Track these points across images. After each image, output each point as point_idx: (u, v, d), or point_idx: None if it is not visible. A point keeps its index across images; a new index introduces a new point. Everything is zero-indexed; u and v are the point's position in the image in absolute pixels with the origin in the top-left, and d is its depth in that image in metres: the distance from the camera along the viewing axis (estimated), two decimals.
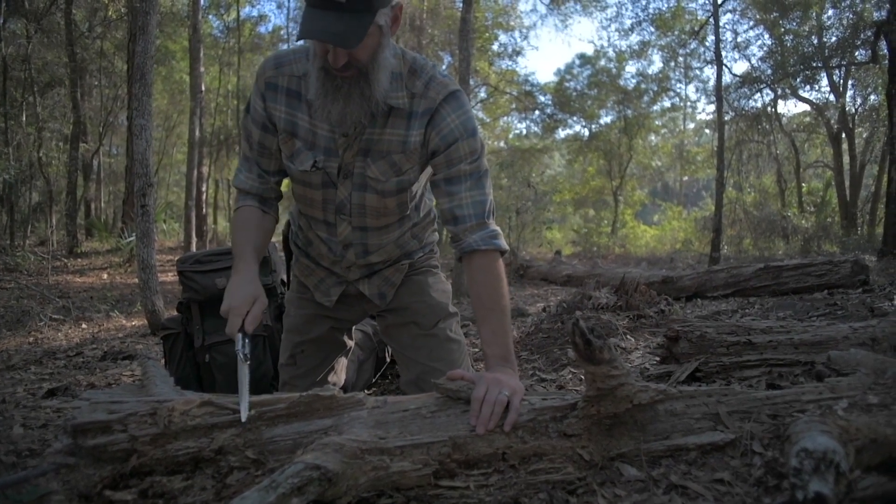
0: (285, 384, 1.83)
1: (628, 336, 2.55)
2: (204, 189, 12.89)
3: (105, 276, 8.21)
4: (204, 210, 12.81)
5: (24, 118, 10.15)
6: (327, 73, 1.34)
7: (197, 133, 11.18)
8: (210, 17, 17.25)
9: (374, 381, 2.31)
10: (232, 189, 20.71)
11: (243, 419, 1.15)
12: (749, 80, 13.57)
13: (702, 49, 15.72)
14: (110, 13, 11.08)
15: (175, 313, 2.27)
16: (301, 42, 1.47)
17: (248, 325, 1.31)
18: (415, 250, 1.78)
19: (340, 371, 1.96)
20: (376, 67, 1.35)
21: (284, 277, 2.37)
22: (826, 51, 12.17)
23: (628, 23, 16.26)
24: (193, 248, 10.40)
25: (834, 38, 12.35)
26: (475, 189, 1.46)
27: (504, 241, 1.49)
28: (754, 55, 15.30)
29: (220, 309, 1.35)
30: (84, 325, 4.88)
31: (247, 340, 1.30)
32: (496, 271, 1.44)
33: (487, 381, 1.21)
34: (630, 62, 19.15)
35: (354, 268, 1.71)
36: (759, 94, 14.11)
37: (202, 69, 11.68)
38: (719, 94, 10.84)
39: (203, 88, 11.92)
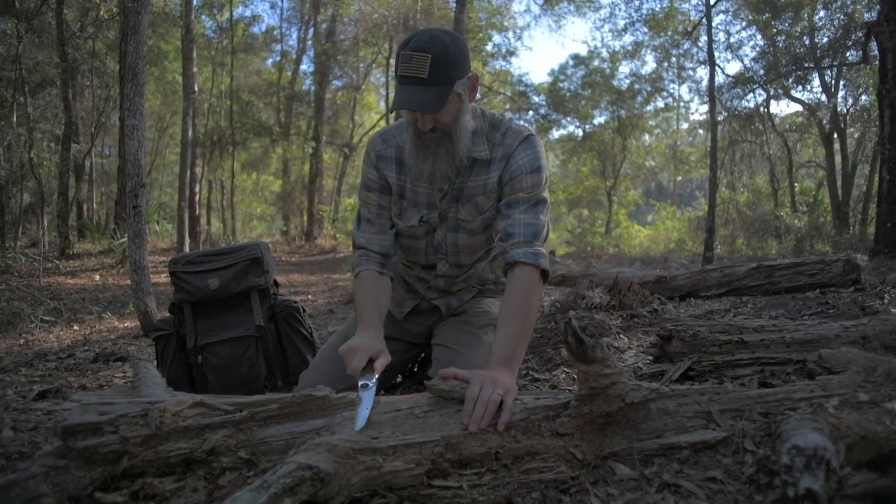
0: (319, 356, 1.92)
1: (621, 335, 2.55)
2: (197, 190, 12.81)
3: (97, 277, 8.15)
4: (197, 211, 12.74)
5: (14, 119, 10.05)
6: (418, 136, 1.58)
7: (190, 134, 11.14)
8: (203, 17, 17.19)
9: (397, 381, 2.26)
10: (225, 190, 20.57)
11: (357, 428, 1.17)
12: (742, 81, 13.64)
13: (695, 49, 15.80)
14: (102, 13, 10.99)
15: (167, 314, 2.26)
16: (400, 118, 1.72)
17: (378, 368, 1.42)
18: (489, 281, 2.00)
19: None
20: (458, 129, 1.57)
21: (277, 278, 2.36)
22: (818, 51, 12.25)
23: (622, 23, 16.27)
24: (186, 249, 10.36)
25: (825, 39, 12.44)
26: (529, 213, 1.61)
27: (548, 262, 1.58)
28: (747, 56, 15.44)
29: (341, 348, 1.46)
30: (76, 327, 4.84)
31: (375, 377, 1.38)
32: (531, 286, 1.53)
33: (481, 380, 1.22)
34: (623, 63, 19.25)
35: (435, 290, 1.93)
36: (751, 95, 14.21)
37: (195, 69, 11.62)
38: (712, 95, 10.90)
39: (196, 89, 11.87)
